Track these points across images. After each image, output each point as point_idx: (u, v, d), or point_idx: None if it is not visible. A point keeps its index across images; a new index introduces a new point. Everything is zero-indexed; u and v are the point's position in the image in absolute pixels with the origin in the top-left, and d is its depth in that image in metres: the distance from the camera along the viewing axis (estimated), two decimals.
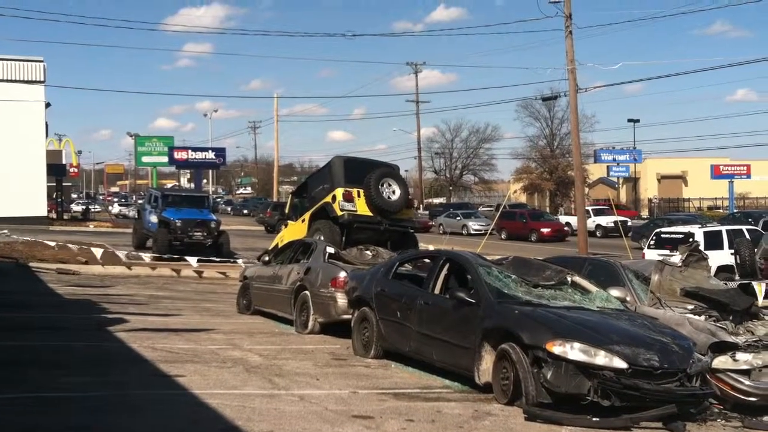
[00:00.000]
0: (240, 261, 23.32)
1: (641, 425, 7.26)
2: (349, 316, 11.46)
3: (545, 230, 42.37)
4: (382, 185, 16.34)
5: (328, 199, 16.53)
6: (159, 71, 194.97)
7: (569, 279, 9.45)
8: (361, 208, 16.20)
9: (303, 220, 17.55)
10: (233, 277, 20.53)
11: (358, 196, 16.26)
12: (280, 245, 18.08)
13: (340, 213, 16.09)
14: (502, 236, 43.57)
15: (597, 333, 7.78)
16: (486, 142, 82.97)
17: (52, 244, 24.83)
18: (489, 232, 35.72)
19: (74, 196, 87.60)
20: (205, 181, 79.01)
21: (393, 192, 16.49)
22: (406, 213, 16.87)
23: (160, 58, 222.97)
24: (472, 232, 45.48)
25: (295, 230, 17.98)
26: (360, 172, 16.50)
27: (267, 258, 15.18)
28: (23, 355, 9.53)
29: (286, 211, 18.90)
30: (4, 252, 22.66)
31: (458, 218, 49.58)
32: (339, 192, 16.25)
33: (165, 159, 66.28)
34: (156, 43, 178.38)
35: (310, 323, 12.64)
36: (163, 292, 18.35)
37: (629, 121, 68.52)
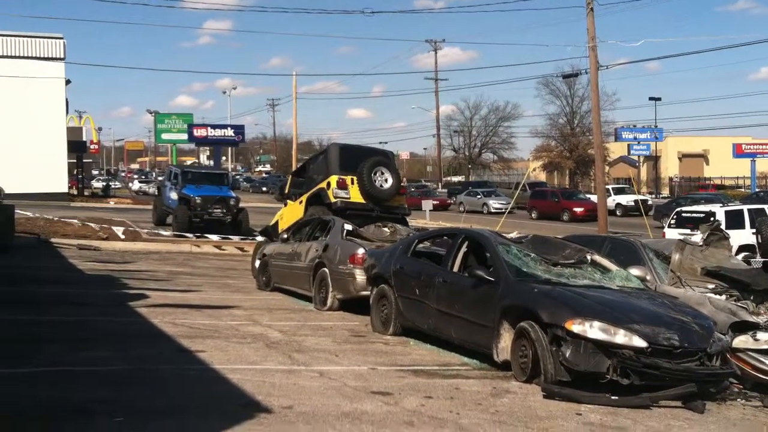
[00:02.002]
0: (259, 238, 23.41)
1: (661, 404, 7.25)
2: (368, 293, 11.50)
3: (578, 209, 40.95)
4: (375, 173, 16.72)
5: (323, 185, 16.93)
6: (180, 48, 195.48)
7: (589, 258, 9.42)
8: (354, 195, 16.57)
9: (300, 202, 17.90)
10: None
11: (352, 183, 16.66)
12: (279, 222, 18.51)
13: (333, 200, 16.50)
14: (533, 215, 43.10)
15: (617, 312, 7.75)
16: (505, 120, 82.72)
17: (75, 222, 25.04)
18: (507, 210, 35.58)
19: (95, 172, 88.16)
20: (224, 158, 79.28)
21: (386, 180, 16.85)
22: (398, 200, 17.27)
23: (181, 36, 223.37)
24: (493, 210, 45.19)
25: (293, 210, 18.31)
26: (355, 159, 16.88)
27: (285, 235, 15.26)
28: (45, 330, 9.63)
29: (285, 190, 19.13)
30: (26, 228, 22.86)
31: (479, 197, 49.33)
32: (333, 179, 16.65)
33: (184, 136, 66.63)
34: (178, 20, 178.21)
35: (329, 300, 12.69)
36: (183, 268, 18.49)
37: (651, 99, 67.92)
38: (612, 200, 42.83)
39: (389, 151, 19.87)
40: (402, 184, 17.89)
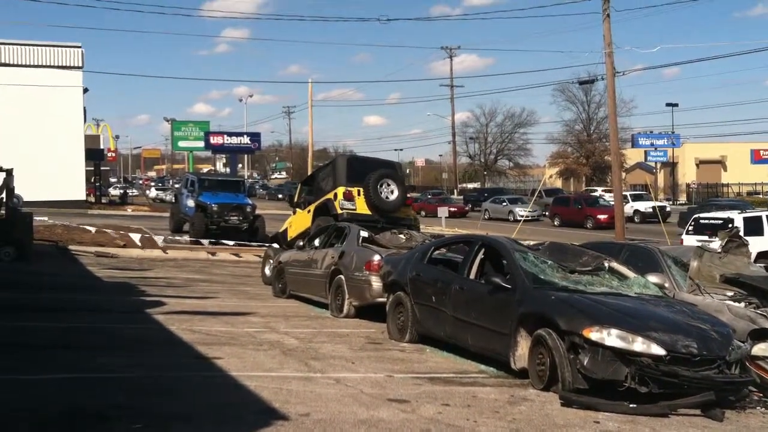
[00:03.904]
0: (275, 244, 23.50)
1: (679, 412, 7.19)
2: (384, 299, 11.50)
3: (602, 216, 39.95)
4: (381, 185, 16.84)
5: (330, 196, 17.08)
6: (197, 56, 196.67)
7: (606, 265, 9.37)
8: (361, 206, 16.67)
9: (309, 211, 18.02)
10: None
11: (359, 194, 16.79)
12: (288, 230, 18.70)
13: (340, 211, 16.62)
14: (555, 223, 42.86)
15: (635, 319, 7.71)
16: (521, 127, 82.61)
17: (92, 229, 25.21)
18: (535, 217, 35.36)
19: (112, 180, 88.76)
20: (240, 165, 79.60)
21: (392, 192, 16.95)
22: (404, 212, 17.38)
23: (199, 44, 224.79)
24: (519, 218, 44.87)
25: (301, 219, 18.44)
26: (362, 171, 17.04)
27: (301, 243, 15.31)
28: (63, 336, 9.69)
29: (295, 199, 19.29)
30: (44, 235, 23.04)
31: (504, 204, 49.03)
32: (340, 191, 16.80)
33: (201, 144, 66.97)
34: (195, 28, 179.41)
35: (345, 307, 12.70)
36: (200, 276, 18.56)
37: (667, 105, 67.86)
38: (630, 207, 42.59)
39: (397, 163, 20.19)
40: (408, 195, 18.10)
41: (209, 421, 6.22)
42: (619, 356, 7.35)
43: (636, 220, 42.08)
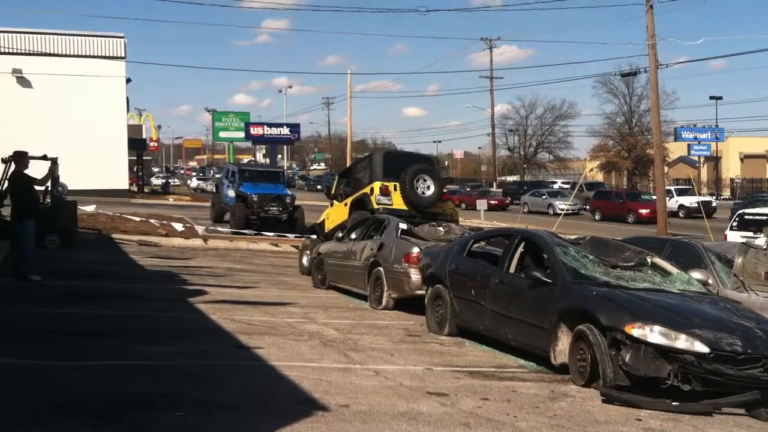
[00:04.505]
0: (313, 235, 23.63)
1: (723, 411, 7.10)
2: (423, 292, 11.51)
3: (644, 211, 39.59)
4: (417, 181, 16.88)
5: (367, 190, 17.18)
6: (238, 47, 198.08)
7: (649, 260, 9.26)
8: (397, 202, 16.73)
9: (345, 204, 18.12)
10: None
11: (395, 190, 16.84)
12: (326, 222, 18.86)
13: (376, 206, 16.70)
14: (596, 217, 42.42)
15: (678, 316, 7.62)
16: (562, 119, 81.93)
17: (135, 218, 25.57)
18: (575, 210, 35.07)
19: (154, 170, 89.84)
20: (279, 156, 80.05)
21: (428, 187, 16.98)
22: (440, 207, 17.38)
23: (240, 35, 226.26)
24: (559, 211, 44.48)
25: (338, 212, 18.55)
26: (398, 166, 17.11)
27: (341, 234, 15.38)
28: (107, 324, 9.83)
29: (333, 191, 19.41)
30: (88, 224, 23.42)
31: (544, 197, 48.59)
32: (377, 186, 16.89)
33: (241, 134, 67.52)
34: (236, 19, 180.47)
35: (384, 299, 12.73)
36: (241, 265, 18.73)
37: (711, 98, 66.42)
38: (675, 201, 41.99)
39: (433, 157, 20.33)
40: (445, 190, 18.13)
41: (251, 410, 6.28)
42: (661, 353, 7.27)
43: (681, 215, 41.44)
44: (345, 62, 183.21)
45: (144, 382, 6.98)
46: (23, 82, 41.49)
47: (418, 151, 29.94)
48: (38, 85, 41.36)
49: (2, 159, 16.61)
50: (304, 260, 17.67)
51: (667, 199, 42.86)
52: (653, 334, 7.30)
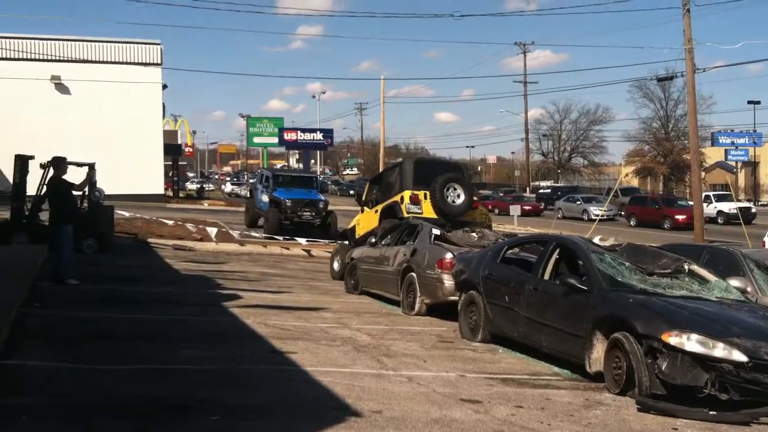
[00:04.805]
0: (345, 241, 23.69)
1: (761, 421, 6.98)
2: (456, 298, 11.47)
3: (680, 217, 38.50)
4: (448, 190, 16.90)
5: (397, 198, 17.21)
6: (272, 53, 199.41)
7: (686, 267, 9.14)
8: (427, 210, 16.73)
9: (376, 211, 18.13)
10: None
11: (425, 198, 16.87)
12: (356, 227, 18.93)
13: (406, 215, 16.70)
14: (632, 223, 41.96)
15: (716, 324, 7.51)
16: (596, 124, 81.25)
17: (170, 222, 25.83)
18: (611, 216, 34.67)
19: (189, 175, 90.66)
20: (312, 161, 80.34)
21: (458, 196, 16.99)
22: (470, 215, 17.33)
23: (275, 41, 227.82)
24: (593, 217, 43.92)
25: (369, 218, 18.57)
26: (429, 174, 17.12)
27: (373, 240, 15.40)
28: (142, 328, 9.93)
29: (363, 197, 19.45)
30: (124, 228, 23.70)
31: (578, 203, 48.11)
32: (407, 194, 16.93)
33: (275, 140, 67.99)
34: (270, 26, 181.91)
35: (417, 305, 12.71)
36: (274, 270, 18.83)
37: (749, 102, 65.51)
38: (713, 207, 41.39)
39: (463, 164, 20.45)
40: (474, 198, 18.22)
41: (284, 415, 6.31)
42: (698, 362, 7.17)
43: (720, 221, 40.80)
44: (378, 68, 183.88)
45: (179, 386, 7.05)
46: (62, 88, 42.15)
47: (450, 157, 30.05)
48: (76, 92, 42.00)
49: (41, 164, 16.89)
50: (335, 265, 17.73)
51: (706, 205, 42.38)
52: (690, 343, 7.20)
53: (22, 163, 18.14)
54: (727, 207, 41.28)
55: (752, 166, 66.66)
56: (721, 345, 7.19)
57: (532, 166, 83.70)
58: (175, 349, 8.70)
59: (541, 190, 65.18)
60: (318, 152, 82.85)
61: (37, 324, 9.41)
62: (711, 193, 44.54)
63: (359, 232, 18.65)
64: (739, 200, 51.36)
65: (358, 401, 6.78)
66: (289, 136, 65.39)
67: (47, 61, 41.48)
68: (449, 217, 16.65)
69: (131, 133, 42.07)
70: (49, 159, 14.39)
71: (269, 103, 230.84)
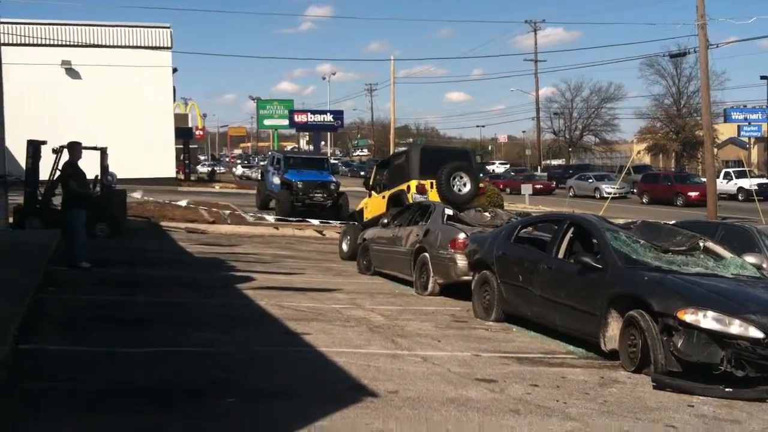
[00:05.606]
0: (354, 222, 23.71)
1: None
2: (469, 278, 11.46)
3: (693, 194, 38.67)
4: (454, 179, 17.05)
5: (404, 187, 17.36)
6: (282, 35, 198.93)
7: (701, 244, 9.09)
8: (433, 198, 16.77)
9: (384, 197, 18.23)
10: None
11: (431, 187, 17.02)
12: (364, 210, 19.17)
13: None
14: (644, 200, 41.79)
15: (731, 301, 7.47)
16: (608, 102, 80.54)
17: (183, 203, 25.90)
18: (623, 194, 34.57)
19: (200, 158, 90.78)
20: (323, 143, 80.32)
21: (464, 185, 17.15)
22: (476, 202, 17.37)
23: (284, 22, 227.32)
24: (605, 195, 43.65)
25: (376, 203, 18.75)
26: (435, 162, 17.27)
27: (386, 220, 15.41)
28: (157, 311, 9.97)
29: (371, 181, 19.50)
30: (137, 211, 23.77)
31: (590, 181, 47.87)
32: (413, 184, 17.13)
33: (285, 122, 67.94)
34: (280, 7, 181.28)
35: (430, 285, 12.71)
36: (287, 252, 18.87)
37: (762, 78, 64.66)
38: (734, 184, 41.13)
39: (470, 151, 20.72)
40: (480, 185, 18.44)
41: (300, 396, 6.33)
42: (714, 339, 7.14)
43: (740, 197, 40.52)
44: (388, 48, 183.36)
45: (195, 369, 7.07)
46: (72, 73, 42.20)
47: (461, 136, 30.09)
48: (87, 76, 42.02)
49: (53, 149, 16.94)
50: (344, 246, 17.84)
51: (726, 182, 42.08)
52: (706, 320, 7.18)
53: (34, 148, 18.20)
54: (748, 183, 41.01)
55: (765, 141, 66.13)
56: (737, 322, 7.16)
57: (543, 145, 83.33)
58: (188, 331, 8.73)
59: (553, 169, 64.94)
60: (328, 134, 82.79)
61: (52, 308, 9.46)
62: (732, 170, 44.20)
63: (367, 215, 18.79)
64: (753, 176, 51.02)
65: (374, 381, 6.79)
66: (299, 118, 65.31)
67: (58, 46, 41.53)
68: (455, 206, 16.71)
69: (142, 117, 42.11)
70: (63, 144, 14.42)
71: (279, 85, 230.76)
